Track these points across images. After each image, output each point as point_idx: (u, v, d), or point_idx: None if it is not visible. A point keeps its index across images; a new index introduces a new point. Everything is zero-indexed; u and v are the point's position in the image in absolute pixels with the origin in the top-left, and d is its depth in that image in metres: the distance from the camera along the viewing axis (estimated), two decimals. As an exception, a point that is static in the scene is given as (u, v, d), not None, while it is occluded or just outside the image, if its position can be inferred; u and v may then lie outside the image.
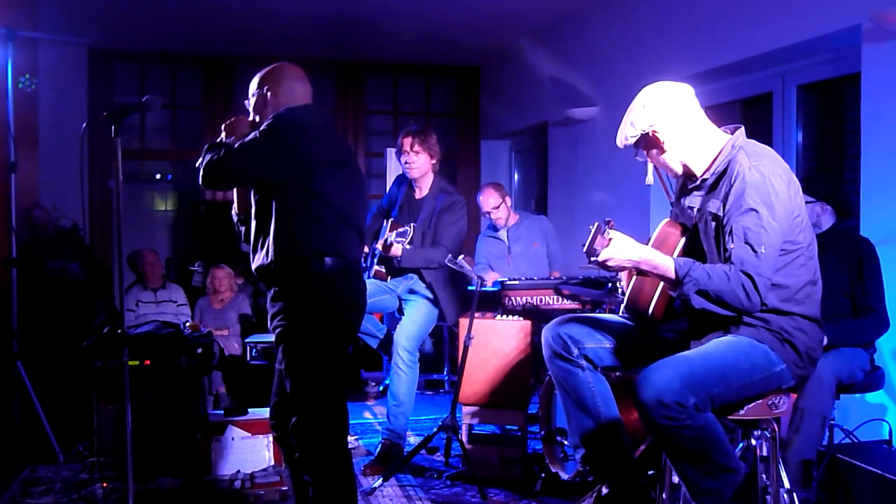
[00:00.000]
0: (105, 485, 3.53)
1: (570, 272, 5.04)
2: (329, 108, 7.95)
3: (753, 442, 2.47)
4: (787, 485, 2.46)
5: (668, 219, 2.65)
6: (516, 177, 8.38)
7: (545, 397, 3.64)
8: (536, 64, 6.92)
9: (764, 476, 2.47)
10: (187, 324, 4.34)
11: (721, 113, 4.84)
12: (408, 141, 4.17)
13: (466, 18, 6.51)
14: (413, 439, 4.40)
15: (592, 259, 2.36)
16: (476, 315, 3.91)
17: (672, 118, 2.42)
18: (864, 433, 3.43)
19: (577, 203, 6.36)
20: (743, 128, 2.46)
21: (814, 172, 4.43)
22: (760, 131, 4.62)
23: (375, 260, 4.21)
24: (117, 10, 6.21)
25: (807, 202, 3.03)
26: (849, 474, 2.88)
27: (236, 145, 2.60)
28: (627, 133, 2.47)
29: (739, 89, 4.89)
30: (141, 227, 8.40)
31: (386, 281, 4.23)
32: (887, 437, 3.32)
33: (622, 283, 2.69)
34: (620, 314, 2.72)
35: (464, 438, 3.89)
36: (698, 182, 2.48)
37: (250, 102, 2.84)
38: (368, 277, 4.20)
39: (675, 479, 2.42)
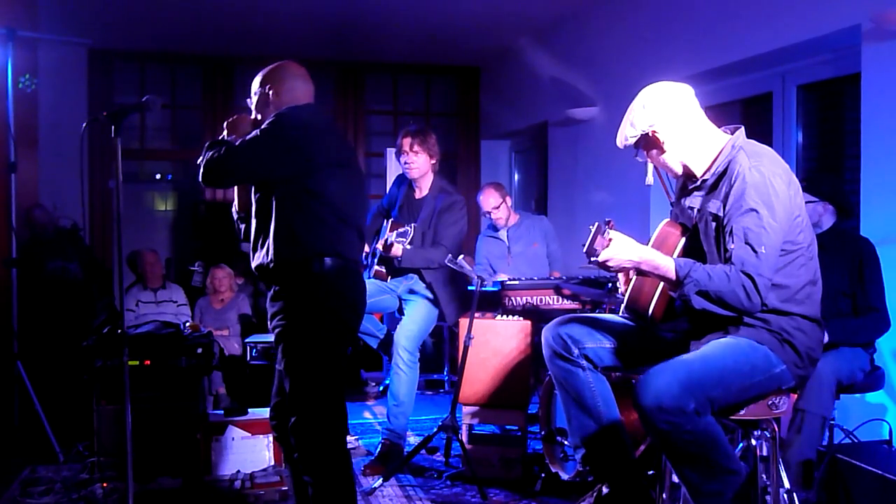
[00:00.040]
0: (105, 485, 3.53)
1: (570, 272, 5.04)
2: (329, 108, 7.94)
3: (753, 442, 2.47)
4: (787, 485, 2.46)
5: (668, 219, 2.65)
6: (516, 177, 8.37)
7: (545, 397, 3.64)
8: (536, 64, 6.91)
9: (764, 476, 2.47)
10: (187, 324, 4.33)
11: (721, 113, 4.85)
12: (407, 141, 4.17)
13: (466, 18, 6.51)
14: (413, 439, 4.40)
15: (592, 259, 2.35)
16: (476, 315, 3.91)
17: (672, 118, 2.42)
18: (865, 433, 3.44)
19: (577, 203, 6.36)
20: (743, 128, 2.46)
21: (814, 172, 4.42)
22: (760, 131, 4.61)
23: (376, 260, 4.21)
24: (117, 10, 6.21)
25: (808, 202, 3.04)
26: (849, 474, 2.87)
27: (238, 143, 2.60)
28: (627, 133, 2.47)
29: (739, 89, 4.89)
30: (141, 227, 8.37)
31: (386, 281, 4.23)
32: (887, 437, 3.33)
33: (619, 285, 2.68)
34: (620, 314, 2.72)
35: (464, 438, 3.89)
36: (698, 182, 2.48)
37: (252, 101, 2.84)
38: (369, 277, 4.20)
39: (675, 479, 2.42)
